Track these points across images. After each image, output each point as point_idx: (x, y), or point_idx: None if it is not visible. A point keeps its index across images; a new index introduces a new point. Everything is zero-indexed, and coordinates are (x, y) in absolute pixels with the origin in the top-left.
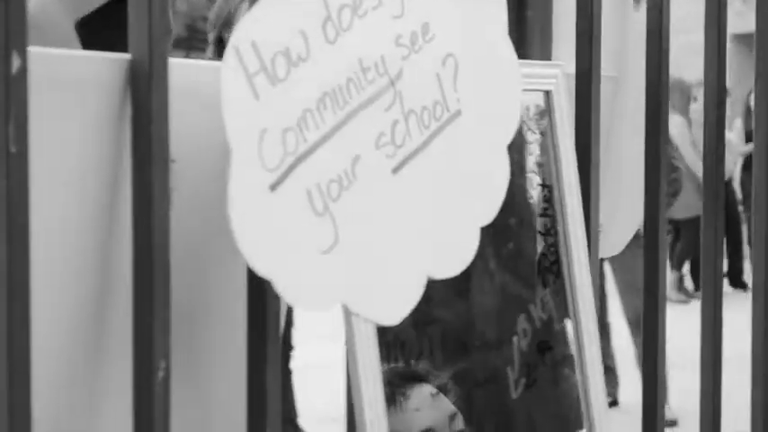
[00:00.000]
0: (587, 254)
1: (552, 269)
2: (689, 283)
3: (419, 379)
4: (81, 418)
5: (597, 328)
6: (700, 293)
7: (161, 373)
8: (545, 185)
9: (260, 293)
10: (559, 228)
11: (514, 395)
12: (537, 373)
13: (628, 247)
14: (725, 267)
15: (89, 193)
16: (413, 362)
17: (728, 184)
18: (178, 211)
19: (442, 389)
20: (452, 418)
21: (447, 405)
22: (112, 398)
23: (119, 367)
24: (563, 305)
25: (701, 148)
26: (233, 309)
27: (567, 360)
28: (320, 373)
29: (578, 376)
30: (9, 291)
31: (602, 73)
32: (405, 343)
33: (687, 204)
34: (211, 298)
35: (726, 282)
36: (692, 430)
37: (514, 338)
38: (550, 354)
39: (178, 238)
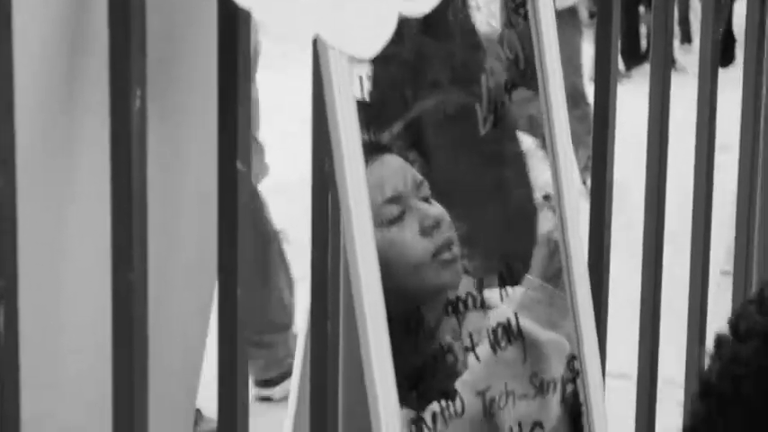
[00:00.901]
0: None
1: (519, 11)
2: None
3: (384, 150)
4: (58, 158)
5: (562, 77)
6: (629, 73)
7: (137, 102)
8: None
9: (231, 30)
10: None
11: (482, 131)
12: (504, 110)
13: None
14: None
15: None
16: (376, 132)
17: None
18: None
19: (407, 159)
20: (419, 185)
21: (413, 173)
22: (88, 145)
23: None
24: (529, 45)
25: None
26: (205, 45)
27: (533, 101)
28: None
29: (546, 134)
30: None
31: None
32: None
33: None
34: (183, 37)
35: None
36: (635, 192)
37: (483, 76)
38: (516, 92)
39: None
